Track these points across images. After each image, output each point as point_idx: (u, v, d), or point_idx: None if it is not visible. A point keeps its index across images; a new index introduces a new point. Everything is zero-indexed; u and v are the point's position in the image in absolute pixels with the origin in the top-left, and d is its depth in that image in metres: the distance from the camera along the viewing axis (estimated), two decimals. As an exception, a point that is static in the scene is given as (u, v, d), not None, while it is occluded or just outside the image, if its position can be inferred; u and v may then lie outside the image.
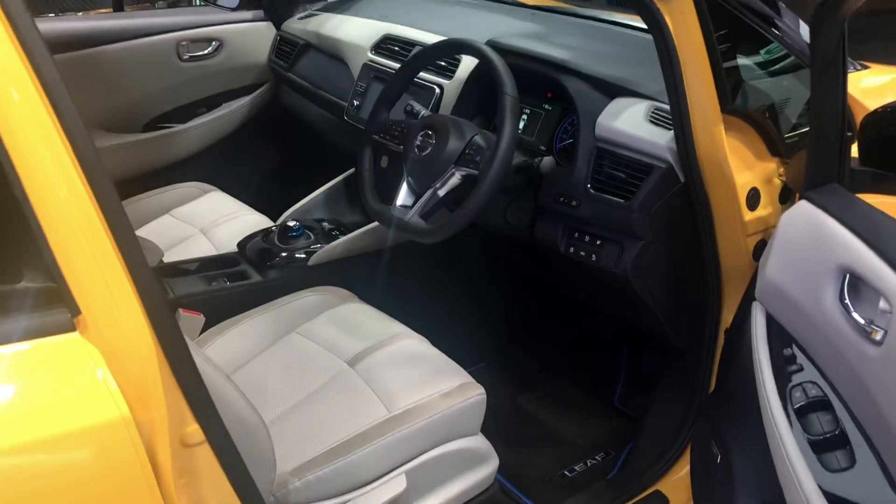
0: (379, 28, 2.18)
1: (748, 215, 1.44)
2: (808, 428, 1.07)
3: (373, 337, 1.55)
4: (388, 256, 1.96)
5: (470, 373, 1.49)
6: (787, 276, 1.17)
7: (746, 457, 1.27)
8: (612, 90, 1.56)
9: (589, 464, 1.82)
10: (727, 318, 1.55)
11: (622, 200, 1.46)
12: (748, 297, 1.33)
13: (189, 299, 1.74)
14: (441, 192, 1.49)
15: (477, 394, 1.44)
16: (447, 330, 1.70)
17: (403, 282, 2.01)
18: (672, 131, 1.42)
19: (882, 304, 0.97)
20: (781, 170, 1.47)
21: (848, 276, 1.05)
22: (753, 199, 1.44)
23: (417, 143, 1.54)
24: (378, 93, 1.79)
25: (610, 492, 1.65)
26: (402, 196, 1.57)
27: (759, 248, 1.47)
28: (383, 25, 2.17)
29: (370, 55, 2.11)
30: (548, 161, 1.54)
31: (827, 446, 1.05)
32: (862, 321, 1.00)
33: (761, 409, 1.18)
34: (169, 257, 1.96)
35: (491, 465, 1.49)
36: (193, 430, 0.88)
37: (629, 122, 1.48)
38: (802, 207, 1.19)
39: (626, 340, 2.13)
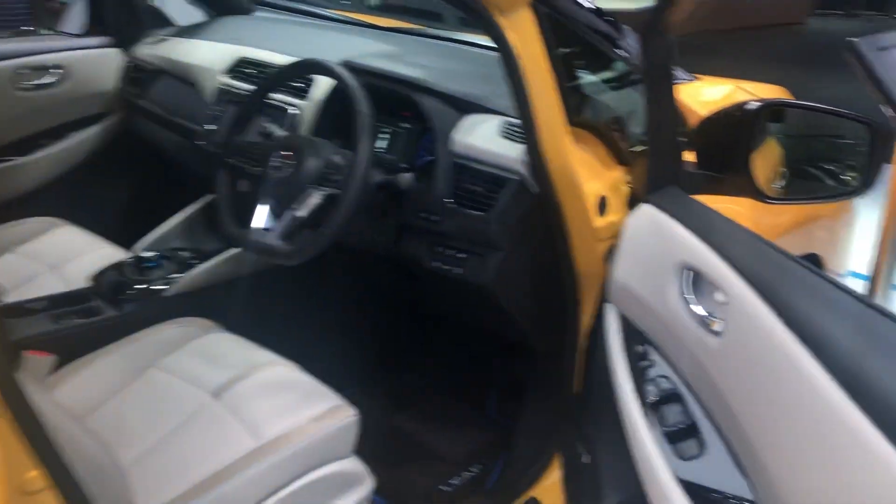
0: (232, 51, 2.14)
1: (598, 221, 1.50)
2: (662, 421, 1.13)
3: (238, 366, 1.51)
4: (252, 283, 1.91)
5: (343, 395, 1.47)
6: (634, 276, 1.23)
7: (610, 456, 1.31)
8: (465, 107, 1.60)
9: (466, 477, 1.83)
10: (587, 321, 1.60)
11: (481, 213, 1.49)
12: (603, 300, 1.38)
13: (36, 340, 1.63)
14: (300, 213, 1.47)
15: (348, 416, 1.42)
16: (318, 354, 1.67)
17: (270, 308, 1.97)
18: (523, 145, 1.46)
19: (719, 296, 1.03)
20: (626, 178, 1.54)
21: (689, 272, 1.11)
22: (602, 206, 1.50)
23: (274, 164, 1.52)
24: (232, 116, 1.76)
25: (486, 503, 1.67)
26: (261, 219, 1.54)
27: (611, 253, 1.54)
28: (237, 48, 2.13)
29: (224, 79, 2.07)
30: (407, 177, 1.56)
31: (680, 436, 1.10)
32: (702, 314, 1.07)
33: (619, 406, 1.23)
34: (15, 297, 1.83)
35: (366, 487, 1.47)
36: (34, 476, 0.83)
37: (482, 137, 1.52)
38: (644, 210, 1.25)
39: (496, 350, 2.17)
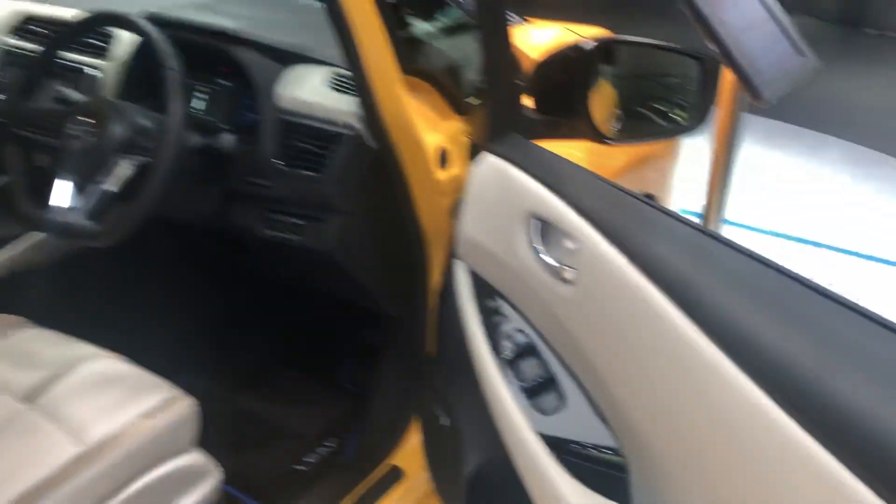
0: (16, 9, 1.87)
1: (440, 175, 1.43)
2: (520, 376, 1.09)
3: (53, 365, 1.33)
4: (63, 269, 1.71)
5: (180, 384, 1.33)
6: (481, 229, 1.18)
7: (470, 417, 1.27)
8: (288, 58, 1.47)
9: (322, 453, 1.75)
10: (436, 279, 1.55)
11: (315, 174, 1.38)
12: (450, 256, 1.32)
13: None
14: (108, 187, 1.31)
15: (185, 406, 1.29)
16: (146, 342, 1.52)
17: (86, 296, 1.77)
18: (355, 97, 1.37)
19: (569, 244, 0.99)
20: (465, 127, 1.48)
21: (537, 221, 1.07)
22: (443, 159, 1.43)
23: (73, 132, 1.34)
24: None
25: (345, 476, 1.59)
26: (63, 196, 1.35)
27: (456, 208, 1.48)
28: (19, 4, 1.87)
29: (7, 40, 1.81)
30: (228, 139, 1.42)
31: (539, 391, 1.06)
32: (554, 263, 1.03)
33: (476, 365, 1.18)
34: None
35: (213, 479, 1.36)
36: None
37: (309, 90, 1.41)
38: (486, 160, 1.20)
39: (345, 317, 2.08)
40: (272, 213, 1.48)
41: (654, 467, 0.88)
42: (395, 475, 1.59)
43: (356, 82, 1.32)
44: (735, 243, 0.86)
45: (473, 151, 1.49)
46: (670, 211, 0.98)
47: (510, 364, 1.11)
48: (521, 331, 1.12)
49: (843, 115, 5.33)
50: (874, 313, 0.71)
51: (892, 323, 0.70)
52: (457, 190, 1.48)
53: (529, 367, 1.09)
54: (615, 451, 0.97)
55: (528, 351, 1.10)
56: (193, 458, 1.32)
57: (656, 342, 0.83)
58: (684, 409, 0.80)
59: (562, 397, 1.05)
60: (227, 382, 1.94)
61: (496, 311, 1.16)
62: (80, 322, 1.51)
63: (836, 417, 0.64)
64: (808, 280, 0.77)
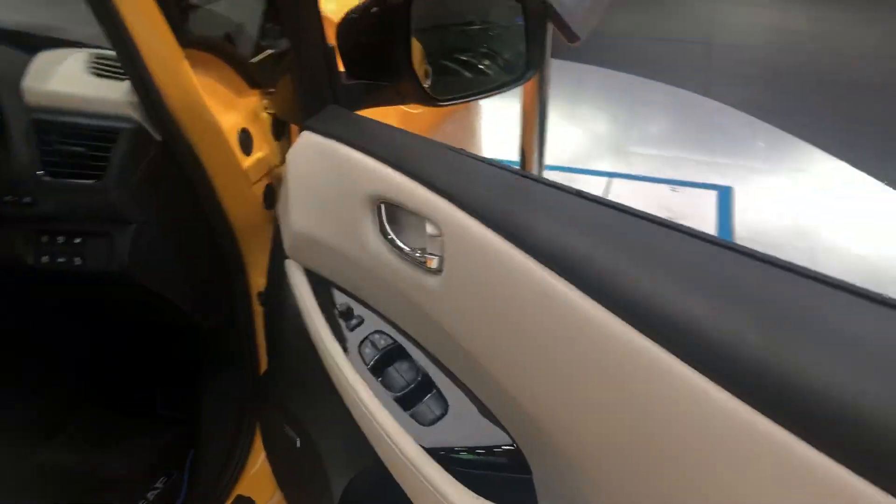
0: None
1: (246, 161, 1.23)
2: (390, 385, 0.94)
3: None
4: None
5: None
6: (314, 221, 1.00)
7: (327, 433, 1.11)
8: (31, 42, 1.18)
9: (152, 497, 1.51)
10: (258, 281, 1.35)
11: (92, 181, 1.13)
12: (278, 256, 1.14)
13: None
14: None
15: None
16: None
17: None
18: (127, 82, 1.12)
19: (429, 229, 0.85)
20: (266, 102, 1.28)
21: (383, 206, 0.92)
22: (246, 142, 1.23)
23: None
24: None
25: None
26: None
27: (269, 195, 1.29)
28: None
29: None
30: None
31: (413, 398, 0.93)
32: (412, 252, 0.88)
33: (332, 377, 1.02)
34: None
35: None
36: None
37: (66, 79, 1.14)
38: (307, 140, 1.02)
39: (147, 336, 1.81)
40: (42, 235, 1.20)
41: (558, 458, 0.78)
42: None
43: (124, 63, 1.08)
44: (606, 200, 0.76)
45: (278, 128, 1.30)
46: (534, 175, 0.87)
47: (374, 371, 0.96)
48: (380, 332, 0.98)
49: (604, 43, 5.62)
50: (760, 253, 0.65)
51: (772, 258, 0.63)
52: (267, 175, 1.29)
53: (397, 373, 0.95)
54: (511, 452, 0.86)
55: (393, 355, 0.96)
56: None
57: (544, 320, 0.73)
58: (583, 385, 0.71)
59: (442, 400, 0.92)
60: (17, 440, 1.62)
61: (347, 314, 1.00)
62: None
63: (755, 371, 0.56)
64: (697, 231, 0.69)
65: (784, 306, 0.60)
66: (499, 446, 0.87)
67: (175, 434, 1.65)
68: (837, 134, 4.53)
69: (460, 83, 1.14)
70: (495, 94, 1.14)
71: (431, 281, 0.86)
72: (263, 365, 1.42)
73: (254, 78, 1.24)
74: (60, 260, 1.19)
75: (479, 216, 0.78)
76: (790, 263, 0.62)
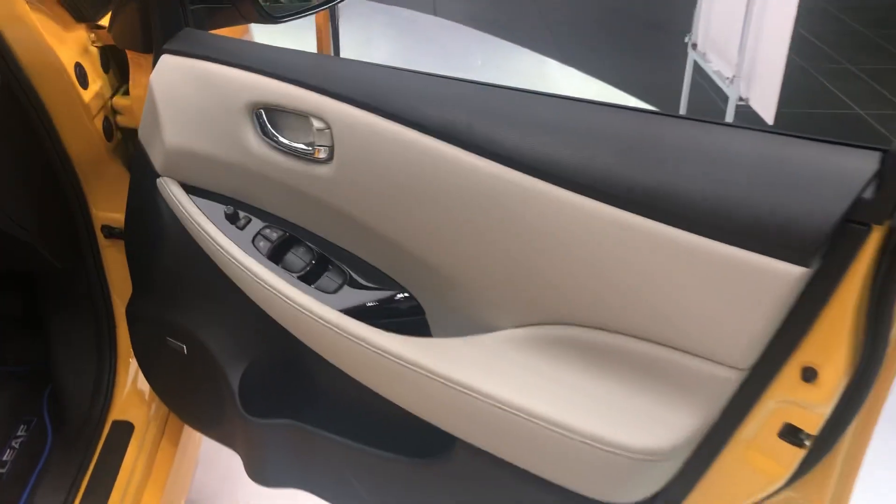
0: None
1: (86, 96, 1.26)
2: (290, 268, 1.09)
3: None
4: None
5: None
6: (191, 136, 1.10)
7: (220, 331, 1.23)
8: None
9: (17, 445, 1.51)
10: (102, 214, 1.39)
11: None
12: (142, 179, 1.21)
13: None
14: None
15: None
16: None
17: None
18: None
19: (317, 124, 1.00)
20: (93, 35, 1.31)
21: (261, 112, 1.04)
22: (82, 76, 1.26)
23: None
24: None
25: (66, 457, 1.42)
26: None
27: (107, 128, 1.33)
28: None
29: None
30: None
31: (315, 274, 1.08)
32: (302, 147, 1.02)
33: (226, 275, 1.13)
34: None
35: None
36: None
37: None
38: (170, 62, 1.10)
39: None
40: None
41: (449, 290, 0.99)
42: (123, 430, 1.47)
43: None
44: (471, 80, 0.97)
45: (104, 61, 1.34)
46: (401, 68, 1.03)
47: (272, 259, 1.10)
48: (270, 227, 1.11)
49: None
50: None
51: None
52: (103, 108, 1.33)
53: (295, 256, 1.10)
54: (405, 299, 1.06)
55: (286, 243, 1.10)
56: None
57: (434, 180, 0.92)
58: (464, 221, 0.92)
59: (339, 273, 1.09)
60: None
61: (233, 216, 1.12)
62: None
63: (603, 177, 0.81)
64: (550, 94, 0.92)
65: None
66: (395, 297, 1.07)
67: (18, 384, 1.64)
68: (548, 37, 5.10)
69: (291, 2, 1.26)
70: (322, 9, 1.28)
71: (322, 170, 1.01)
72: (116, 296, 1.48)
73: (80, 12, 1.27)
74: None
75: (369, 107, 0.95)
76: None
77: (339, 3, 1.31)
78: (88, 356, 1.50)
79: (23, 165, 1.26)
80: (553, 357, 0.90)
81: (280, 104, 1.02)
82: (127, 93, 1.33)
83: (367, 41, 5.02)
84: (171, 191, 1.15)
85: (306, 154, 1.02)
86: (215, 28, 1.22)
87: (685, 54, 3.85)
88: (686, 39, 3.84)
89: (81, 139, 1.30)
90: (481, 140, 0.87)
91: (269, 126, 1.04)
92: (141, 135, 1.17)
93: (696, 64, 3.81)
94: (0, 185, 1.21)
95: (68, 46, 1.24)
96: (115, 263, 1.44)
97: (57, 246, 1.39)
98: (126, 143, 1.39)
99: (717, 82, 3.50)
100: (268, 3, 1.20)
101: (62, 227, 1.37)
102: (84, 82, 1.26)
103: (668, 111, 0.94)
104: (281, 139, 1.04)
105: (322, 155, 1.01)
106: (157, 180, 1.17)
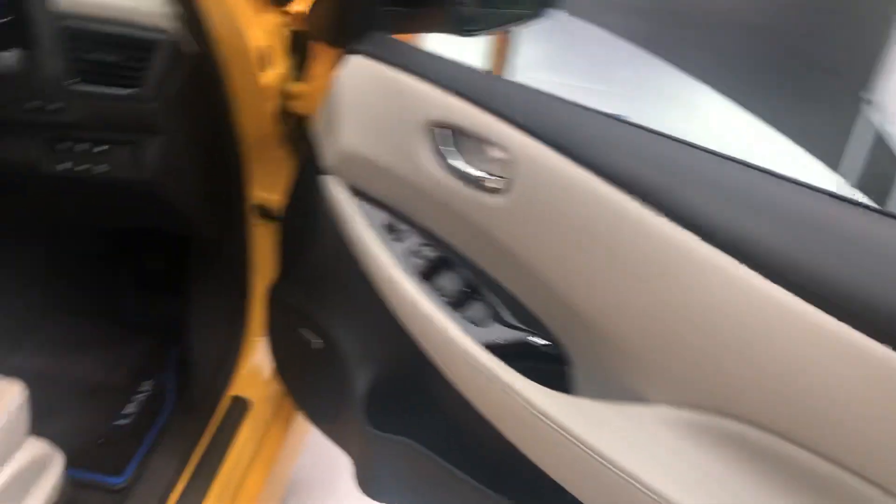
0: None
1: (264, 77, 1.27)
2: (441, 290, 1.06)
3: None
4: None
5: None
6: (366, 142, 1.08)
7: (356, 335, 1.21)
8: None
9: (140, 400, 1.56)
10: (258, 194, 1.41)
11: (128, 90, 1.14)
12: (308, 171, 1.20)
13: None
14: None
15: (13, 390, 1.07)
16: None
17: None
18: None
19: (498, 153, 0.96)
20: (286, 19, 1.32)
21: (440, 130, 1.01)
22: (266, 59, 1.27)
23: None
24: None
25: (184, 422, 1.45)
26: None
27: (282, 113, 1.34)
28: None
29: None
30: (8, 59, 1.10)
31: (465, 302, 1.05)
32: (476, 174, 0.99)
33: (373, 283, 1.12)
34: None
35: (57, 464, 1.16)
36: None
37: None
38: (357, 63, 1.09)
39: (115, 243, 1.81)
40: (62, 142, 1.20)
41: (604, 348, 0.93)
42: (241, 406, 1.49)
43: None
44: (677, 137, 0.90)
45: (294, 47, 1.34)
46: (597, 109, 0.98)
47: (424, 279, 1.07)
48: (428, 245, 1.08)
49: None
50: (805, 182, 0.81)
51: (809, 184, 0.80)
52: (280, 93, 1.33)
53: (448, 280, 1.06)
54: (554, 347, 1.00)
55: (441, 264, 1.07)
56: (33, 447, 1.11)
57: (613, 235, 0.86)
58: (640, 282, 0.85)
59: (490, 306, 1.05)
60: None
61: (394, 228, 1.10)
62: None
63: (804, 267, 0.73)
64: (747, 162, 0.85)
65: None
66: (544, 343, 1.02)
67: (150, 340, 1.69)
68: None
69: (484, 15, 1.22)
70: (514, 27, 1.24)
71: (494, 200, 0.97)
72: (256, 274, 1.49)
73: (273, -6, 1.27)
74: (84, 166, 1.20)
75: (559, 147, 0.89)
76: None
77: (535, 21, 1.27)
78: (219, 327, 1.52)
79: (198, 137, 1.29)
80: (714, 453, 0.82)
81: (461, 127, 0.98)
82: (303, 80, 1.33)
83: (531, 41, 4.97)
84: (336, 191, 1.14)
85: (480, 182, 0.98)
86: (400, 33, 1.20)
87: (856, 106, 3.60)
88: (863, 95, 3.60)
89: (254, 119, 1.31)
90: (678, 206, 0.81)
91: (445, 146, 1.01)
92: (314, 128, 1.17)
93: (870, 120, 3.56)
94: (174, 151, 1.23)
95: (260, 27, 1.25)
96: (262, 243, 1.46)
97: (211, 217, 1.42)
98: (293, 128, 1.40)
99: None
100: (461, 14, 1.17)
101: (219, 200, 1.40)
102: (266, 65, 1.27)
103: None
104: (456, 163, 1.00)
105: (497, 185, 0.97)
106: (323, 176, 1.16)
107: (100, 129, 1.18)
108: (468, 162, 1.00)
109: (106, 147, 1.20)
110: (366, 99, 1.07)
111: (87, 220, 1.48)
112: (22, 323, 1.69)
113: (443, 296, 1.05)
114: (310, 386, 1.38)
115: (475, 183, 0.99)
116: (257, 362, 1.52)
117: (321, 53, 1.25)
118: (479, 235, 1.01)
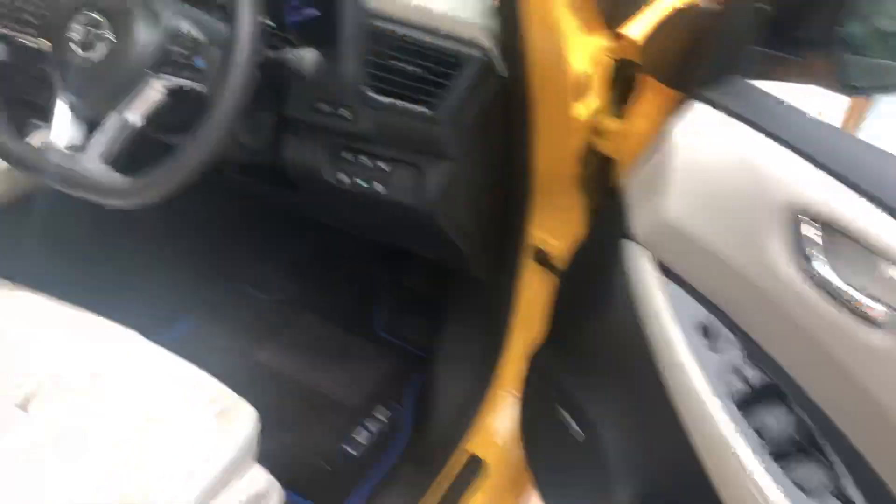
0: None
1: (577, 110, 1.07)
2: (763, 430, 0.79)
3: (59, 357, 0.97)
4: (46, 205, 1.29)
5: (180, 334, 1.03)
6: (697, 221, 0.84)
7: (623, 442, 0.99)
8: None
9: (373, 428, 1.45)
10: (539, 235, 1.22)
11: (423, 109, 1.00)
12: (608, 230, 0.99)
13: None
14: (133, 118, 0.91)
15: (247, 415, 0.98)
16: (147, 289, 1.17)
17: (70, 243, 1.38)
18: (482, 1, 0.98)
19: (885, 269, 0.68)
20: (613, 45, 1.11)
21: (809, 224, 0.75)
22: (581, 87, 1.07)
23: (76, 36, 0.91)
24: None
25: (412, 468, 1.31)
26: (61, 127, 0.94)
27: (588, 155, 1.13)
28: None
29: None
30: (310, 57, 1.00)
31: (796, 458, 0.78)
32: (850, 291, 0.71)
33: (667, 389, 0.88)
34: None
35: (276, 497, 1.06)
36: None
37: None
38: (704, 115, 0.85)
39: (378, 254, 1.73)
40: (345, 151, 1.09)
41: None
42: (476, 467, 1.32)
43: None
44: None
45: (617, 78, 1.13)
46: None
47: (742, 409, 0.81)
48: (754, 363, 0.82)
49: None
50: None
51: None
52: (591, 130, 1.13)
53: (772, 419, 0.80)
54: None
55: (767, 394, 0.81)
56: (256, 479, 1.01)
57: None
58: None
59: (826, 469, 0.77)
60: (242, 332, 1.60)
61: (710, 331, 0.85)
62: (65, 274, 1.14)
63: None
64: None
65: None
66: None
67: (393, 362, 1.58)
68: None
69: (887, 70, 0.92)
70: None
71: (872, 336, 0.69)
72: (518, 324, 1.31)
73: (613, 12, 1.07)
74: (361, 183, 1.09)
75: None
76: None
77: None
78: (467, 372, 1.37)
79: (486, 167, 1.13)
80: None
81: (839, 222, 0.71)
82: (621, 117, 1.11)
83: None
84: (641, 264, 0.91)
85: (856, 306, 0.70)
86: (764, 79, 0.94)
87: None
88: None
89: (553, 154, 1.12)
90: None
91: (810, 245, 0.74)
92: (628, 182, 0.95)
93: None
94: (459, 180, 1.08)
95: (581, 52, 1.05)
96: (531, 290, 1.27)
97: (483, 252, 1.26)
98: (594, 171, 1.19)
99: None
100: (862, 66, 0.88)
101: (495, 236, 1.23)
102: (580, 95, 1.07)
103: None
104: (822, 270, 0.73)
105: (881, 316, 0.69)
106: (627, 242, 0.94)
107: (386, 144, 1.06)
108: (842, 274, 0.73)
109: (388, 167, 1.07)
110: (706, 162, 0.83)
111: (354, 227, 1.39)
112: (278, 315, 1.66)
113: (761, 437, 0.79)
114: (557, 473, 1.17)
115: (847, 305, 0.71)
116: (500, 421, 1.34)
117: (650, 90, 1.03)
118: (836, 374, 0.74)
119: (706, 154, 0.83)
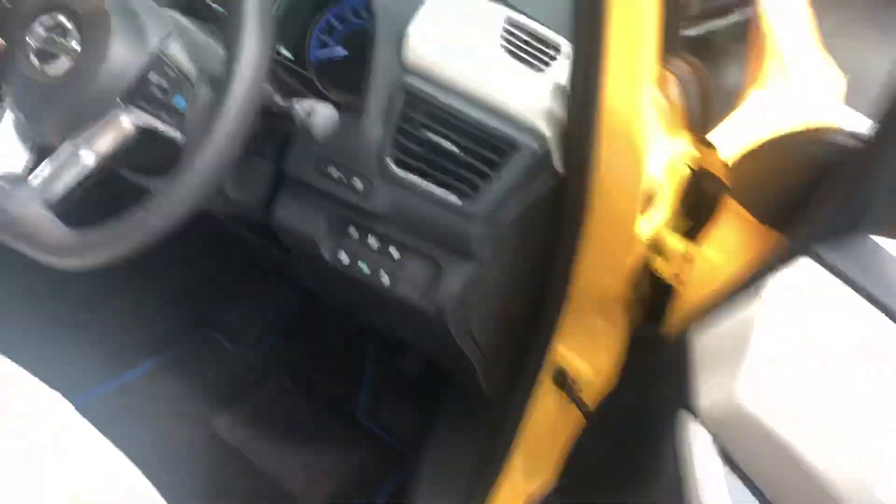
0: None
1: (640, 225, 0.87)
2: None
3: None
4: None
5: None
6: (789, 414, 0.64)
7: None
8: None
9: None
10: (562, 351, 1.01)
11: (456, 198, 0.80)
12: (662, 392, 0.79)
13: None
14: (87, 158, 0.71)
15: None
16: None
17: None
18: (550, 75, 0.78)
19: None
20: (694, 156, 0.91)
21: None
22: (651, 198, 0.87)
23: (33, 44, 0.72)
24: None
25: None
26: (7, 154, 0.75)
27: (647, 279, 0.94)
28: None
29: None
30: (325, 115, 0.79)
31: None
32: None
33: None
34: None
35: None
36: None
37: (469, 46, 0.80)
38: (813, 276, 0.65)
39: (365, 333, 1.51)
40: (352, 226, 0.89)
41: None
42: None
43: (576, 53, 0.74)
44: None
45: (694, 198, 0.93)
46: None
47: None
48: None
49: None
50: None
51: None
52: (652, 244, 0.93)
53: None
54: None
55: None
56: None
57: None
58: None
59: None
60: (202, 390, 1.38)
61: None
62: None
63: None
64: None
65: None
66: None
67: (370, 454, 1.36)
68: None
69: None
70: None
71: None
72: (522, 449, 1.10)
73: (702, 118, 0.87)
74: (363, 269, 0.88)
75: None
76: None
77: None
78: (457, 490, 1.16)
79: (518, 276, 0.92)
80: None
81: None
82: (691, 239, 0.91)
83: None
84: (700, 449, 0.71)
85: None
86: (881, 235, 0.73)
87: None
88: None
89: (601, 269, 0.91)
90: None
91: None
92: (697, 337, 0.75)
93: None
94: (482, 287, 0.88)
95: (658, 157, 0.86)
96: (543, 413, 1.07)
97: (496, 365, 1.05)
98: (646, 295, 0.99)
99: None
100: None
101: (511, 350, 1.03)
102: (646, 205, 0.87)
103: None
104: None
105: None
106: (686, 415, 0.73)
107: (402, 229, 0.86)
108: None
109: (399, 254, 0.87)
110: (813, 337, 0.63)
111: (348, 306, 1.18)
112: (248, 373, 1.45)
113: None
114: None
115: None
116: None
117: (735, 216, 0.84)
118: None
119: (812, 324, 0.63)
